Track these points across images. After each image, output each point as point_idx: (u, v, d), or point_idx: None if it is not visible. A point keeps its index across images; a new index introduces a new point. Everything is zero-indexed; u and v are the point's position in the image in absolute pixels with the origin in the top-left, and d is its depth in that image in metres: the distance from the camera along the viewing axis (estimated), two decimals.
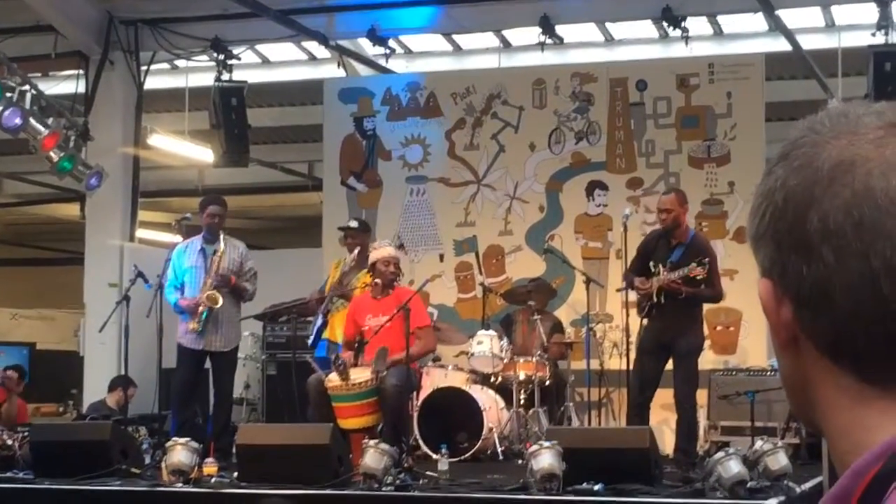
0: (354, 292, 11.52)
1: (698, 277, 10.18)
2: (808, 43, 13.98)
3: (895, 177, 1.16)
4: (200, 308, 11.20)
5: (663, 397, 10.88)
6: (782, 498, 7.69)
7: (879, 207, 1.15)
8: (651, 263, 10.51)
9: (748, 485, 7.76)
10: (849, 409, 1.19)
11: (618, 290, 11.85)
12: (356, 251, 11.86)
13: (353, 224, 12.78)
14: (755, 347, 12.55)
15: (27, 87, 12.87)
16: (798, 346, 1.23)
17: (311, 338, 12.22)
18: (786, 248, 1.21)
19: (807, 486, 8.30)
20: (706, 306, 12.40)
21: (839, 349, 1.19)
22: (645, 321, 10.68)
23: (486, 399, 11.07)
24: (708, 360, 12.75)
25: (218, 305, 11.18)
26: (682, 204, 10.67)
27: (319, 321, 12.02)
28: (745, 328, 12.97)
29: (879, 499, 1.11)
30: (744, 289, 12.37)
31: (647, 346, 10.57)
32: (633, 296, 11.03)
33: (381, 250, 10.96)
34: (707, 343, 12.94)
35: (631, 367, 10.77)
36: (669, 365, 10.53)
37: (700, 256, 10.28)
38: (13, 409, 13.25)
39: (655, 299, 10.34)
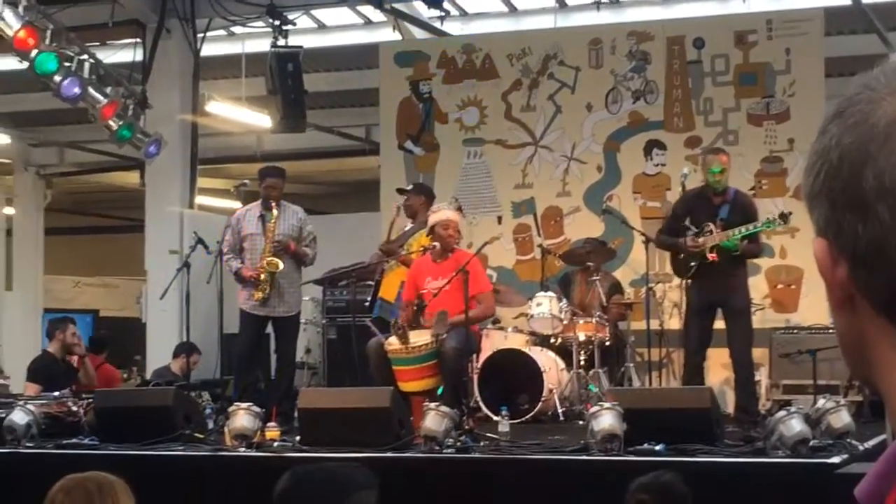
0: (412, 255, 11.52)
1: (779, 231, 10.26)
2: None
3: None
4: (262, 276, 11.27)
5: (723, 356, 10.85)
6: (845, 456, 7.64)
7: None
8: (688, 222, 10.49)
9: (810, 443, 7.71)
10: None
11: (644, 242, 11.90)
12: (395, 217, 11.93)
13: (409, 187, 12.87)
14: (816, 306, 12.45)
15: (85, 56, 12.94)
16: (854, 305, 1.22)
17: (369, 301, 12.28)
18: (841, 206, 1.20)
19: (870, 443, 8.24)
20: (767, 265, 12.38)
21: (895, 308, 1.18)
22: (687, 282, 10.68)
23: (546, 360, 11.06)
24: (769, 318, 12.71)
25: (279, 270, 11.25)
26: (730, 162, 10.74)
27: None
28: (807, 286, 12.88)
29: None
30: (805, 247, 12.27)
31: (697, 305, 10.55)
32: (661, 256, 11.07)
33: (440, 213, 10.93)
34: (768, 301, 12.91)
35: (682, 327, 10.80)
36: (719, 324, 10.53)
37: (748, 212, 10.34)
38: (89, 372, 13.39)
39: (708, 258, 10.30)
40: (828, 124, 1.23)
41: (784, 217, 10.46)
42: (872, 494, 1.17)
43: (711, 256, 10.33)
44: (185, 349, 12.46)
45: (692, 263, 10.49)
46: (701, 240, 10.40)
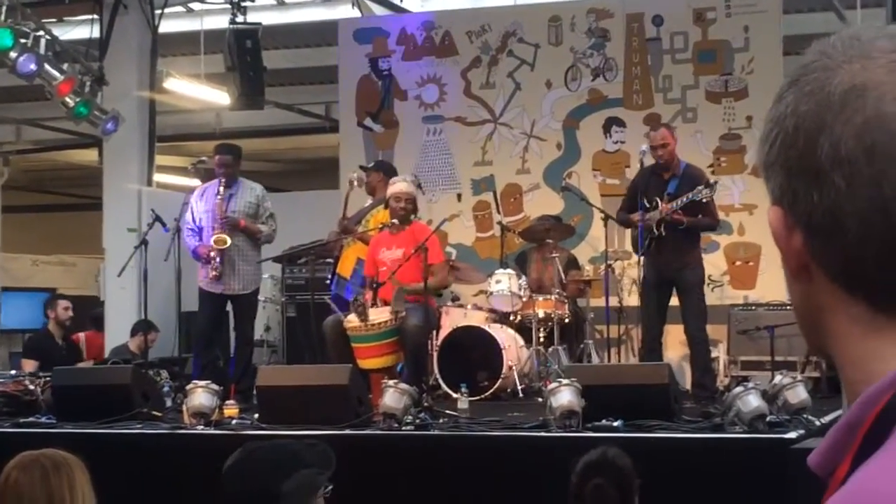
0: (369, 232, 11.49)
1: (704, 201, 10.22)
2: None
3: None
4: (212, 253, 11.22)
5: (681, 333, 10.88)
6: (802, 431, 7.68)
7: (892, 133, 1.14)
8: (645, 200, 10.53)
9: (767, 419, 7.75)
10: (860, 338, 1.18)
11: (603, 219, 11.88)
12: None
13: (369, 165, 12.88)
14: (774, 282, 12.50)
15: (41, 32, 12.84)
16: (809, 274, 1.21)
17: (330, 278, 12.26)
18: (796, 175, 1.19)
19: (827, 419, 8.29)
20: (725, 241, 12.41)
21: (850, 277, 1.17)
22: (643, 259, 10.72)
23: (506, 337, 11.08)
24: (727, 295, 12.77)
25: (225, 246, 11.20)
26: (673, 136, 10.76)
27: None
28: (765, 263, 12.93)
29: (889, 428, 1.10)
30: (763, 224, 12.08)
31: (652, 281, 10.60)
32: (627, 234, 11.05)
33: (393, 186, 10.92)
34: (726, 278, 12.96)
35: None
36: (675, 300, 10.57)
37: (696, 185, 10.35)
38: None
39: (656, 232, 10.36)
40: (784, 92, 1.23)
41: (709, 186, 10.41)
42: (824, 465, 1.17)
43: (658, 231, 10.39)
44: (143, 327, 12.41)
45: (645, 239, 10.54)
46: (648, 215, 10.47)
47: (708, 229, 11.01)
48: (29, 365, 12.57)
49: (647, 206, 10.53)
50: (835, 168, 1.15)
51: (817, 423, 8.03)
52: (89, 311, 15.81)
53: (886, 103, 1.14)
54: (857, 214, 1.14)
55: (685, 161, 10.94)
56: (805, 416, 8.04)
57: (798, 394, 8.17)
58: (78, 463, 4.28)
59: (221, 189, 11.40)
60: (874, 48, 1.19)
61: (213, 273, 11.26)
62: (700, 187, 10.28)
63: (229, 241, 11.24)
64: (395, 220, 10.67)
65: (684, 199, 10.30)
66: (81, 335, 14.84)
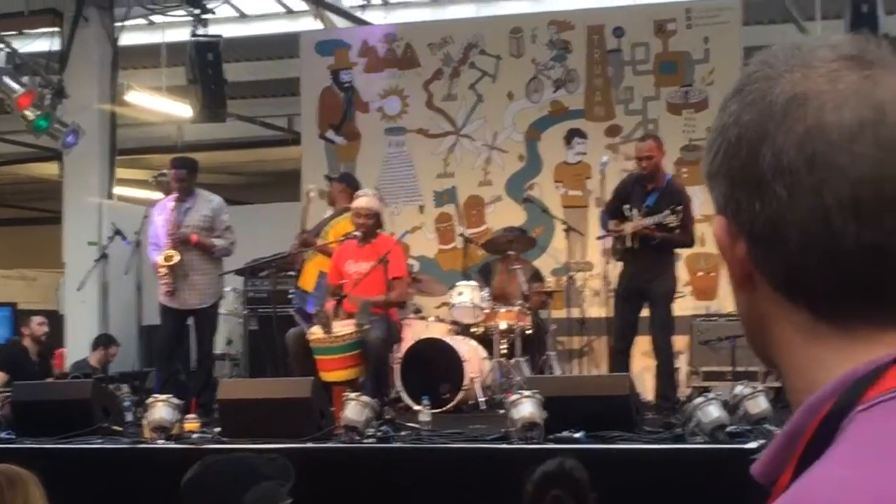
0: (329, 244, 11.45)
1: (671, 225, 10.21)
2: None
3: (848, 111, 1.14)
4: (161, 269, 11.14)
5: (644, 344, 10.90)
6: (762, 441, 7.70)
7: (832, 143, 1.14)
8: (626, 207, 10.52)
9: (728, 429, 7.77)
10: (803, 347, 1.19)
11: (598, 238, 11.84)
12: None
13: (333, 175, 12.87)
14: None
15: (1, 45, 12.78)
16: (753, 283, 1.22)
17: (292, 291, 12.23)
18: (739, 184, 1.19)
19: None
20: (686, 253, 12.44)
21: (793, 286, 1.18)
22: (620, 266, 10.70)
23: (468, 349, 11.06)
24: (688, 306, 12.80)
25: (173, 263, 11.11)
26: (661, 149, 10.69)
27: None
28: (726, 274, 12.89)
29: (831, 436, 1.11)
30: None
31: (623, 292, 10.59)
32: (609, 241, 11.02)
33: (356, 200, 10.90)
34: (688, 289, 12.99)
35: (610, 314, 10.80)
36: (646, 311, 10.57)
37: (675, 201, 10.31)
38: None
39: (630, 244, 10.36)
40: (727, 102, 1.23)
41: (675, 213, 10.35)
42: (767, 473, 1.17)
43: (631, 243, 10.38)
44: (103, 341, 12.35)
45: (619, 248, 10.54)
46: (622, 226, 10.45)
47: (682, 245, 10.97)
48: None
49: (626, 214, 10.49)
50: (776, 177, 1.15)
51: (777, 432, 8.04)
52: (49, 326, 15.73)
53: (827, 112, 1.15)
54: (799, 224, 1.15)
55: (670, 174, 10.93)
56: (766, 425, 8.06)
57: (759, 404, 8.21)
58: (32, 478, 4.25)
59: (176, 203, 11.31)
60: (815, 58, 1.19)
61: (166, 290, 11.19)
62: (667, 212, 10.24)
63: (177, 258, 11.14)
64: (356, 234, 10.66)
65: (656, 219, 10.28)
66: (65, 350, 14.73)
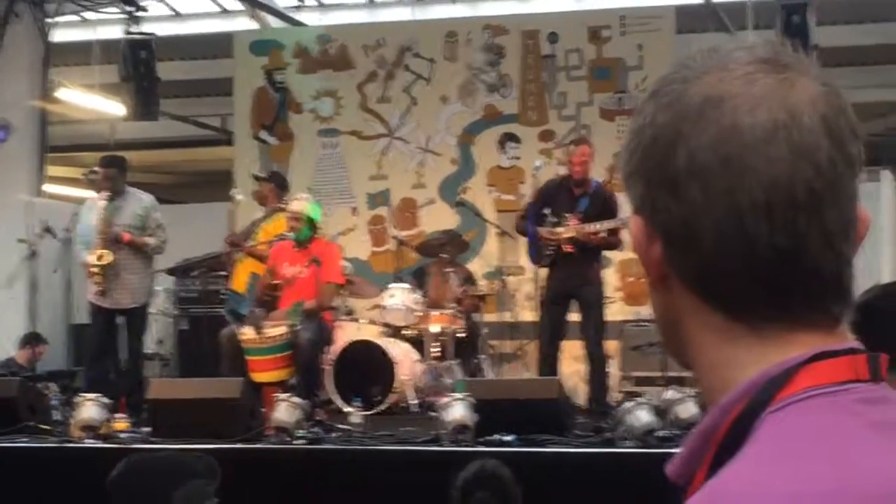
0: (259, 246, 11.40)
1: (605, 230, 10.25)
2: None
3: (762, 113, 1.16)
4: (92, 269, 11.03)
5: (575, 348, 10.93)
6: None
7: (746, 144, 1.15)
8: (547, 211, 10.48)
9: (658, 433, 7.82)
10: (716, 347, 1.20)
11: (530, 242, 11.87)
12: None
13: (263, 174, 12.82)
14: None
15: None
16: (668, 283, 1.23)
17: (224, 292, 12.17)
18: (655, 185, 1.20)
19: None
20: (618, 258, 12.50)
21: (707, 287, 1.19)
22: (546, 270, 10.70)
23: (399, 352, 11.04)
24: (619, 311, 12.85)
25: (104, 263, 11.00)
26: (592, 155, 10.74)
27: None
28: None
29: (744, 436, 1.12)
30: None
31: (553, 296, 10.58)
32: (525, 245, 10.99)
33: (290, 204, 10.88)
34: (619, 294, 13.05)
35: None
36: (575, 316, 10.58)
37: (607, 206, 10.36)
38: None
39: (564, 249, 10.34)
40: (644, 104, 1.24)
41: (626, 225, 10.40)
42: (682, 473, 1.18)
43: (568, 248, 10.36)
44: (31, 339, 12.22)
45: (547, 253, 10.50)
46: (559, 230, 10.43)
47: (612, 249, 11.00)
48: None
49: (555, 219, 10.45)
50: (691, 178, 1.16)
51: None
52: None
53: (741, 114, 1.16)
54: (713, 225, 1.16)
55: (597, 180, 10.96)
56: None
57: (689, 409, 8.25)
58: None
59: (105, 202, 11.21)
60: (731, 60, 1.20)
61: (97, 289, 11.08)
62: (625, 218, 10.27)
63: (110, 257, 11.03)
64: (288, 234, 10.62)
65: (605, 225, 10.27)
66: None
